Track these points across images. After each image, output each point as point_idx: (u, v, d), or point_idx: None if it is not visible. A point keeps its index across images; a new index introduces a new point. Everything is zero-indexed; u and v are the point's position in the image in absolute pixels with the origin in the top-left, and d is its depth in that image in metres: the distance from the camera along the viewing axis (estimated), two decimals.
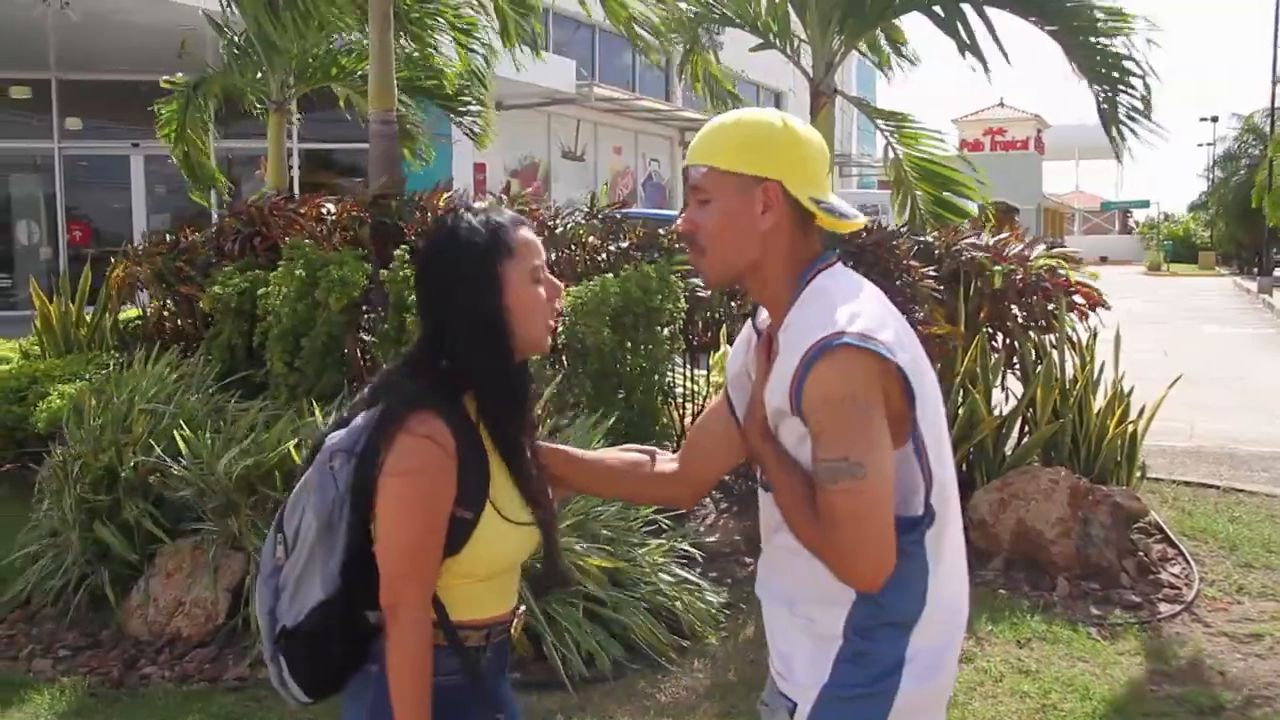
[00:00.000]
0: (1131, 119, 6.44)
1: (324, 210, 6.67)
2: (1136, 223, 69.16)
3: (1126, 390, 6.11)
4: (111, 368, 6.16)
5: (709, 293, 6.15)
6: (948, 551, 1.89)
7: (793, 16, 7.56)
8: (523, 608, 2.07)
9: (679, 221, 1.94)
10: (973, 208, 7.47)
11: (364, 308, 6.31)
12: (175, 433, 4.92)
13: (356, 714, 1.93)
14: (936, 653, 1.86)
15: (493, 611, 1.97)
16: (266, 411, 5.29)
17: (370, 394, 1.96)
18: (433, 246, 1.96)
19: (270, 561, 1.96)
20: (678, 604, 4.49)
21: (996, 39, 6.78)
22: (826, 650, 1.85)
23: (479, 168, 20.71)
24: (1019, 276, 6.16)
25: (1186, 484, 7.09)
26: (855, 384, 1.72)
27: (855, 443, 1.71)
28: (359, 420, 1.92)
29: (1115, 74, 6.42)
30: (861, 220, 1.95)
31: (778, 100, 33.70)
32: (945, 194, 7.16)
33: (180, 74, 10.40)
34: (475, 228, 1.91)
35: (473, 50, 10.21)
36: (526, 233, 1.95)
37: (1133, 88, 6.47)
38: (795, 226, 1.89)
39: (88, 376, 6.19)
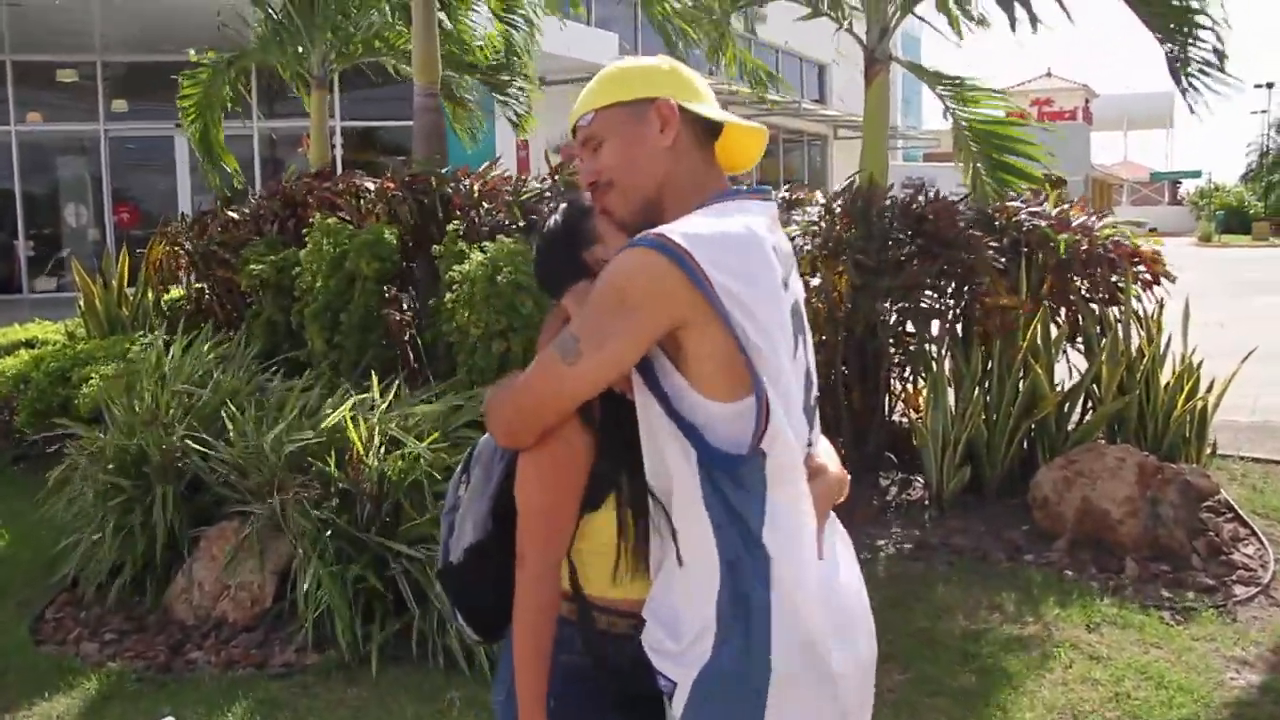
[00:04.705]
0: (1204, 72, 6.16)
1: (363, 188, 6.55)
2: (1187, 193, 67.80)
3: (1196, 364, 5.88)
4: (147, 349, 6.06)
5: None
6: (802, 502, 1.69)
7: None
8: None
9: (580, 178, 1.85)
10: (1038, 171, 7.13)
11: (403, 286, 6.21)
12: (223, 412, 4.84)
13: (507, 669, 1.92)
14: (806, 616, 1.65)
15: (628, 594, 1.86)
16: (311, 391, 5.19)
17: None
18: (541, 237, 2.01)
19: (453, 498, 2.05)
20: None
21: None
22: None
23: (522, 145, 20.68)
24: (1084, 247, 5.93)
25: (1255, 460, 6.86)
26: (635, 283, 1.59)
27: (593, 336, 1.63)
28: None
29: (1186, 28, 6.15)
30: (765, 130, 1.87)
31: (821, 73, 33.29)
32: (1009, 158, 6.86)
33: (212, 50, 10.25)
34: (564, 216, 1.95)
35: (513, 24, 10.07)
36: None
37: (1203, 41, 6.20)
38: (698, 149, 1.80)
39: (127, 358, 6.13)
